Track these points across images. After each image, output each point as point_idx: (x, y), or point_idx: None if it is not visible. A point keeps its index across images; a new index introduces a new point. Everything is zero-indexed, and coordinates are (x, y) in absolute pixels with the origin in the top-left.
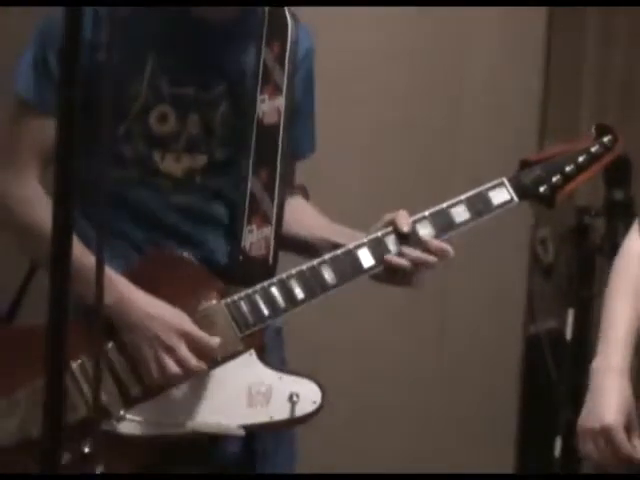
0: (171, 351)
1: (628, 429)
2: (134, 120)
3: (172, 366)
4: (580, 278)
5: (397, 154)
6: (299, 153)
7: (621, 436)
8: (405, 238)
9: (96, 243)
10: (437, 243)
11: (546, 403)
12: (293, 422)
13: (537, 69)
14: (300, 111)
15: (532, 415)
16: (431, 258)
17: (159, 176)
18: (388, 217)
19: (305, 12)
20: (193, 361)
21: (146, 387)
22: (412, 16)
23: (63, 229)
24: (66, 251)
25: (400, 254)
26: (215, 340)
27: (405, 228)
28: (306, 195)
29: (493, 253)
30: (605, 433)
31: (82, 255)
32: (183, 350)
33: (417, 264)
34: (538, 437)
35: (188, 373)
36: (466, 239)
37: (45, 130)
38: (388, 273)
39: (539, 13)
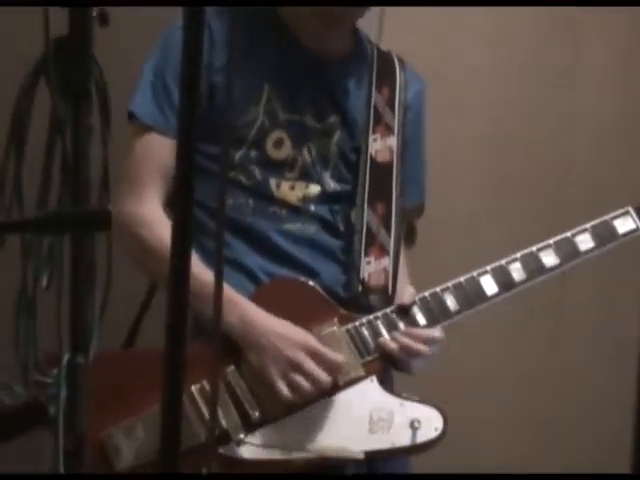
0: (299, 368)
1: None
2: (251, 146)
3: (302, 382)
4: None
5: (510, 167)
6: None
7: None
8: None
9: (215, 262)
10: (422, 332)
11: None
12: (415, 449)
13: None
14: (407, 154)
15: None
16: (421, 347)
17: (274, 203)
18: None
19: (419, 21)
20: (323, 375)
21: (268, 410)
22: (524, 28)
23: (182, 247)
24: (185, 269)
25: (392, 339)
26: (340, 356)
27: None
28: (422, 207)
29: (609, 262)
30: None
31: (203, 273)
32: (311, 365)
33: (407, 352)
34: None
35: (319, 387)
36: None
37: (166, 152)
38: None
39: None
